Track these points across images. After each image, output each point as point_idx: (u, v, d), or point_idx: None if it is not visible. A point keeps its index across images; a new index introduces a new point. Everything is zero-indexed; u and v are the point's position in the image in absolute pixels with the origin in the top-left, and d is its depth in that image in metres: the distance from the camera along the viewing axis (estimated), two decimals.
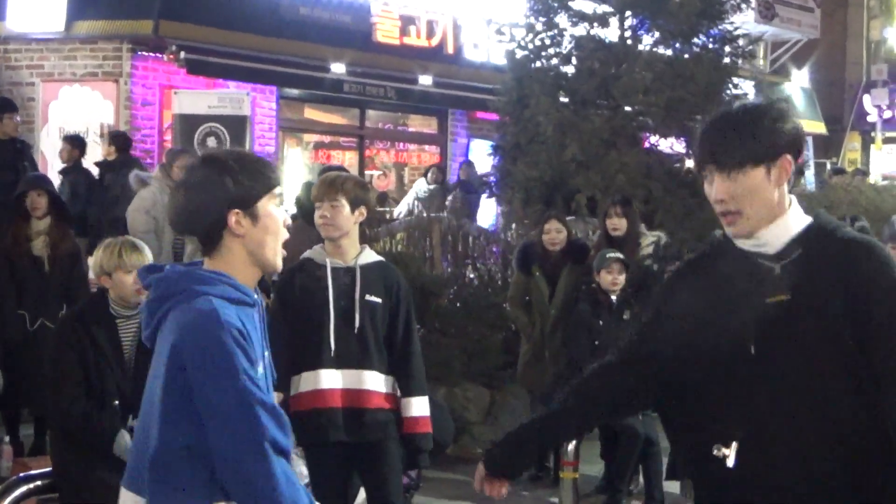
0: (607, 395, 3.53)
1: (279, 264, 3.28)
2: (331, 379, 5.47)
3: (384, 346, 5.58)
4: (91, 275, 7.12)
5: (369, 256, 5.64)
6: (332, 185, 5.51)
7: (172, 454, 3.01)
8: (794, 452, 3.11)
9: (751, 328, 3.16)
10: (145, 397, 3.15)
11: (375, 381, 5.52)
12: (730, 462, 3.15)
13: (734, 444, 3.15)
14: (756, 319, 3.16)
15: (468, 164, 17.27)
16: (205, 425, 2.97)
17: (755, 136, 3.21)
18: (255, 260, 3.19)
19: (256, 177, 3.18)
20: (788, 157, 3.23)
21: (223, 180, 3.13)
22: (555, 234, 8.92)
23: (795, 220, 3.27)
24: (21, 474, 5.87)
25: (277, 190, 3.22)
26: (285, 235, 3.25)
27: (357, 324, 5.49)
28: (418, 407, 5.59)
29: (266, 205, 3.18)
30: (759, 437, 3.14)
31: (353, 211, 5.50)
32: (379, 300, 5.54)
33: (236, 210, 3.13)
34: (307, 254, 5.71)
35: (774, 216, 3.25)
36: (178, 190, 3.23)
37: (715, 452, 3.17)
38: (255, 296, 3.19)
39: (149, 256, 5.63)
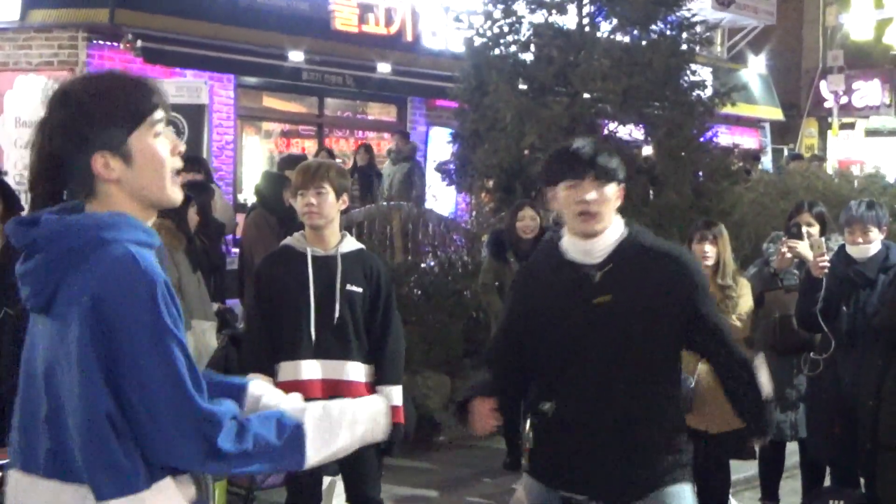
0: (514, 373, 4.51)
1: (176, 196, 2.79)
2: (311, 369, 5.45)
3: (367, 334, 5.57)
4: None
5: (350, 245, 5.62)
6: (316, 173, 5.48)
7: (103, 427, 2.57)
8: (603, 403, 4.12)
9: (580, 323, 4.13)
10: (30, 371, 2.73)
11: (356, 372, 5.51)
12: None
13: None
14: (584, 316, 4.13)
15: (366, 148, 17.00)
16: (128, 394, 2.57)
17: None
18: (141, 202, 2.74)
19: (122, 107, 2.70)
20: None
21: (79, 119, 2.67)
22: (529, 220, 9.03)
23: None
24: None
25: (157, 115, 2.75)
26: (175, 164, 2.79)
27: (337, 314, 5.47)
28: (393, 397, 5.59)
29: (141, 138, 2.71)
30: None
31: (337, 199, 5.49)
32: (360, 290, 5.52)
33: (101, 153, 2.68)
34: (287, 241, 5.69)
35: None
36: (33, 137, 2.76)
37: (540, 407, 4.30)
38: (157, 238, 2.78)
39: None
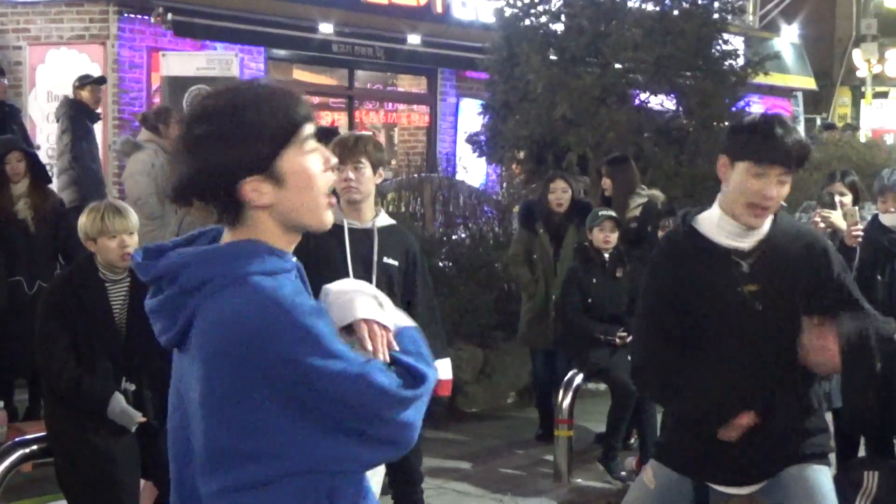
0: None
1: (328, 220, 2.54)
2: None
3: (404, 307, 5.56)
4: None
5: (385, 219, 5.62)
6: (355, 146, 5.47)
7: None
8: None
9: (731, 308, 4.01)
10: (172, 402, 2.54)
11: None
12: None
13: None
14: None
15: None
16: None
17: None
18: (290, 226, 2.50)
19: (270, 124, 2.42)
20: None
21: (224, 142, 2.39)
22: (560, 193, 9.02)
23: None
24: (16, 439, 5.88)
25: (306, 130, 2.48)
26: (329, 179, 2.53)
27: (373, 285, 5.47)
28: (441, 370, 5.58)
29: (292, 158, 2.45)
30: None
31: (374, 173, 5.49)
32: (396, 263, 5.52)
33: (250, 177, 2.41)
34: None
35: None
36: (176, 154, 2.47)
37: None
38: (293, 259, 2.56)
39: (133, 220, 5.56)
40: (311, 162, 2.48)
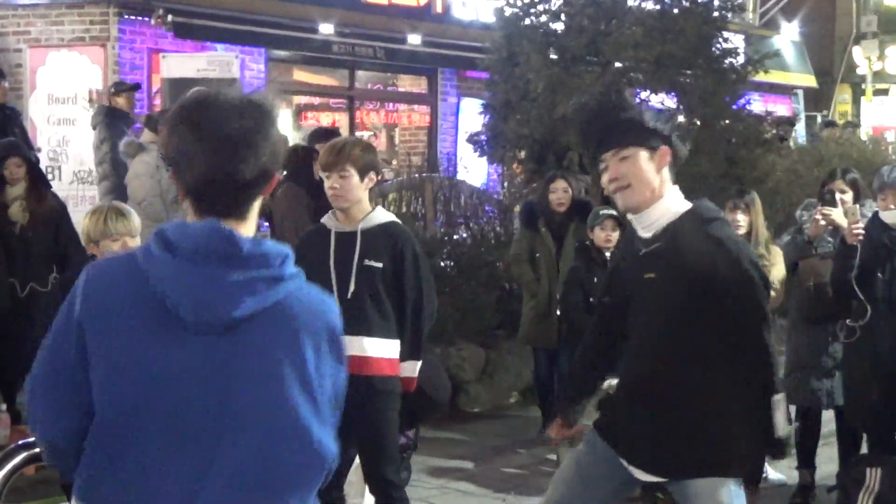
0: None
1: None
2: None
3: (392, 310, 5.56)
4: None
5: (375, 219, 5.61)
6: (339, 154, 5.48)
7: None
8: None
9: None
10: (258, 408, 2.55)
11: (375, 347, 5.50)
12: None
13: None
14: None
15: None
16: None
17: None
18: None
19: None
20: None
21: (270, 136, 2.68)
22: (561, 193, 9.05)
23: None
24: (20, 441, 5.88)
25: None
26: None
27: (352, 288, 5.48)
28: (406, 370, 5.62)
29: None
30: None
31: (362, 179, 5.50)
32: (379, 265, 5.50)
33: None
34: (323, 219, 5.74)
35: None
36: (207, 141, 2.55)
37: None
38: None
39: (136, 222, 5.57)
40: None
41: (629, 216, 4.26)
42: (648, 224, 4.12)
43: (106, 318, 2.56)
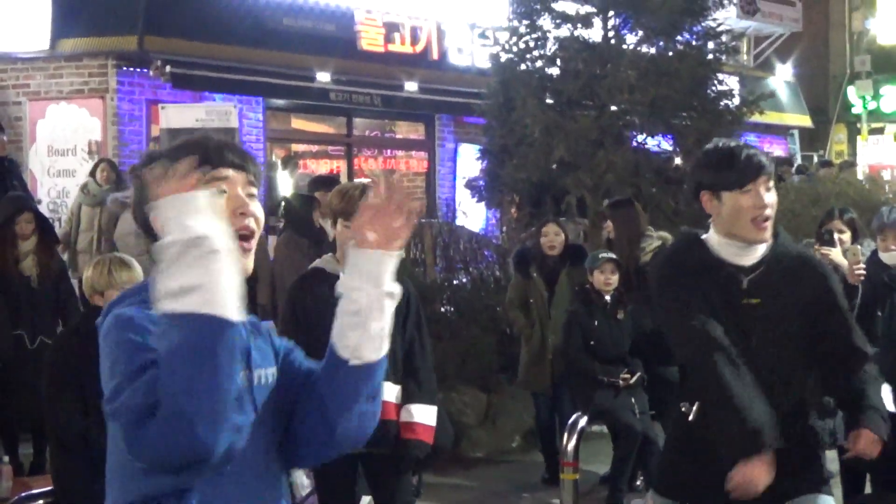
0: None
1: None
2: None
3: (396, 355, 5.57)
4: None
5: None
6: (362, 199, 5.48)
7: None
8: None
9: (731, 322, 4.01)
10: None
11: (387, 392, 5.51)
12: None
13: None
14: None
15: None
16: None
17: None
18: None
19: None
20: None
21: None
22: (553, 237, 9.05)
23: None
24: (22, 493, 5.89)
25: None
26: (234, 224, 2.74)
27: None
28: (414, 414, 5.59)
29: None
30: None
31: None
32: None
33: None
34: (317, 263, 5.69)
35: None
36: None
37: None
38: None
39: (139, 273, 5.60)
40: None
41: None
42: (755, 252, 4.13)
43: None
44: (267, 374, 2.74)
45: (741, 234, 4.08)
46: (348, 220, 5.44)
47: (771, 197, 4.06)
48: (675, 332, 4.18)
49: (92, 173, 12.14)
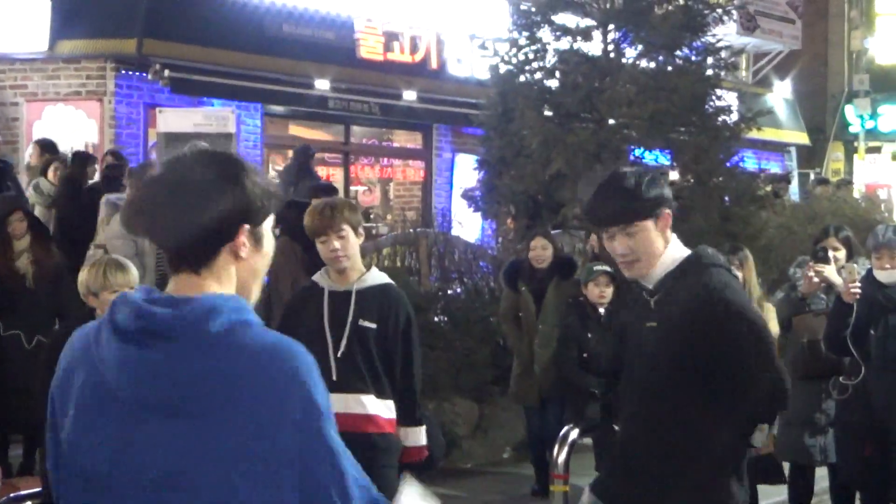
0: None
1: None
2: (334, 403, 5.48)
3: (384, 371, 5.58)
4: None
5: (370, 280, 5.64)
6: (333, 217, 5.51)
7: None
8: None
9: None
10: None
11: (374, 406, 5.52)
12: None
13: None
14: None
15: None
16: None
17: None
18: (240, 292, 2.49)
19: (268, 188, 2.50)
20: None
21: (238, 184, 2.42)
22: (540, 251, 9.04)
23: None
24: (11, 495, 5.86)
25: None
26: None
27: (343, 349, 5.50)
28: (410, 437, 5.63)
29: (268, 226, 2.54)
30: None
31: (356, 234, 5.54)
32: (373, 326, 5.53)
33: (246, 225, 2.45)
34: (315, 277, 5.75)
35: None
36: (165, 188, 2.41)
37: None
38: None
39: (135, 275, 5.60)
40: (271, 240, 2.56)
41: None
42: (653, 280, 4.15)
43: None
44: None
45: None
46: (320, 237, 5.50)
47: (622, 245, 4.09)
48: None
49: (43, 172, 12.01)
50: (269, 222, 2.53)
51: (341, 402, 5.43)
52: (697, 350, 4.01)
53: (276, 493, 2.31)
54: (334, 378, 5.46)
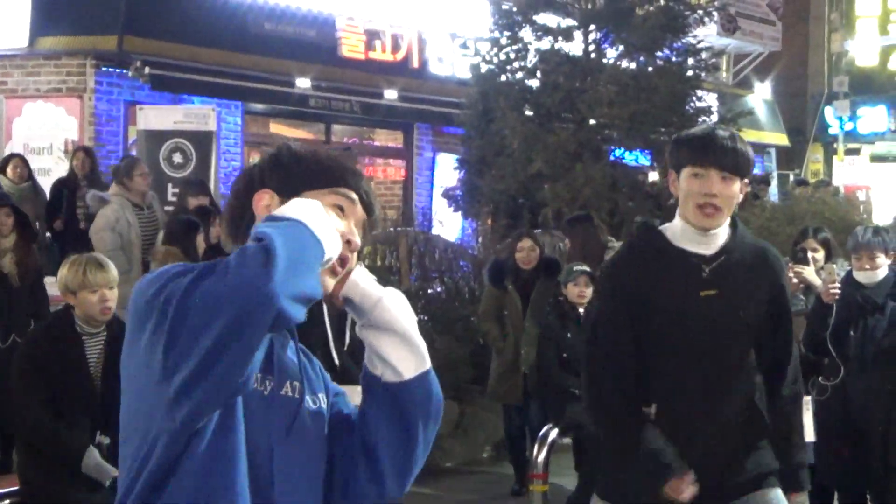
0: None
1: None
2: None
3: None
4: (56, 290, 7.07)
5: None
6: None
7: None
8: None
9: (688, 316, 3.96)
10: None
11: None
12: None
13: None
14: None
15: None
16: None
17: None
18: None
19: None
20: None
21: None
22: (528, 251, 9.06)
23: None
24: (0, 491, 5.83)
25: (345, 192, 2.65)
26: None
27: (348, 340, 5.53)
28: None
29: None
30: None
31: None
32: None
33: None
34: None
35: None
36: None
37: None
38: None
39: (114, 274, 5.57)
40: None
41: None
42: (714, 244, 4.03)
43: None
44: (319, 398, 2.65)
45: (689, 218, 3.99)
46: None
47: (719, 188, 3.90)
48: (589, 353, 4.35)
49: (2, 169, 11.96)
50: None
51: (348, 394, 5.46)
52: (771, 309, 4.07)
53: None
54: (338, 370, 5.50)
